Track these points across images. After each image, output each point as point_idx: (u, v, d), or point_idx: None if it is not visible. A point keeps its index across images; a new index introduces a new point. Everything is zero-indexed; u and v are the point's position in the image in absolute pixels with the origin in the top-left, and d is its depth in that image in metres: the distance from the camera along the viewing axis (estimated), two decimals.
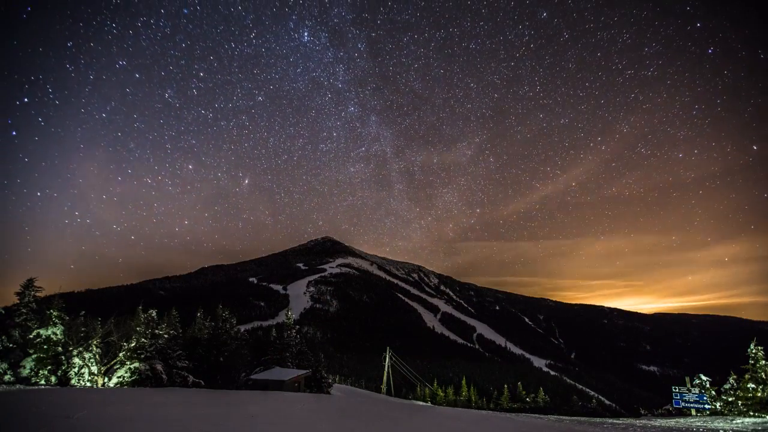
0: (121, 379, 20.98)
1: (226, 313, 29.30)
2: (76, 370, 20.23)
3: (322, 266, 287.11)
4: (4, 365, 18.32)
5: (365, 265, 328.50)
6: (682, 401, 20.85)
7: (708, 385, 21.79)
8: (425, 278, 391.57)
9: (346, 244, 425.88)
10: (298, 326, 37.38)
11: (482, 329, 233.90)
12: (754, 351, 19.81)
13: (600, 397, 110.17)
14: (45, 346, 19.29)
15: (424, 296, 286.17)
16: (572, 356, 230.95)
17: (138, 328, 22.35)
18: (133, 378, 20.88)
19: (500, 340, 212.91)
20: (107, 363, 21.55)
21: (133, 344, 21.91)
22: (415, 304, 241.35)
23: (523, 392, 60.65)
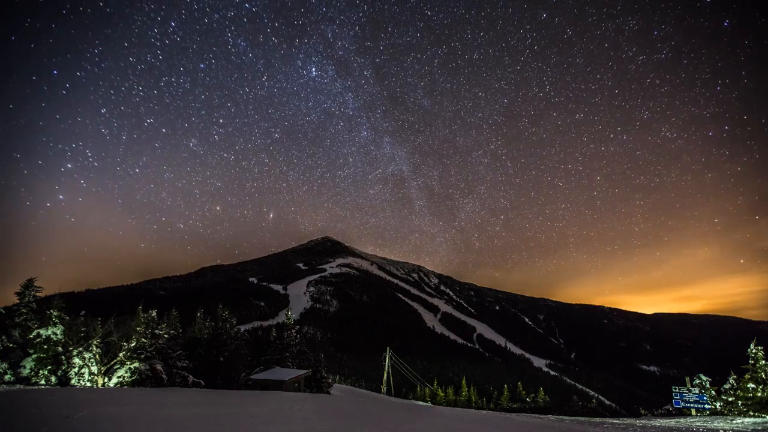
0: (121, 379, 20.98)
1: (226, 313, 29.31)
2: (76, 370, 20.22)
3: (322, 266, 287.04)
4: (4, 365, 18.31)
5: (365, 265, 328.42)
6: (682, 401, 20.83)
7: (708, 385, 21.77)
8: (425, 278, 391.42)
9: (346, 244, 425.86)
10: (298, 326, 37.39)
11: (482, 329, 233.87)
12: (754, 351, 19.78)
13: (600, 397, 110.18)
14: (45, 346, 19.28)
15: (424, 296, 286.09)
16: (572, 356, 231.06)
17: (138, 328, 22.35)
18: (133, 378, 20.88)
19: (500, 340, 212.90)
20: (107, 363, 21.54)
21: (133, 344, 21.91)
22: (415, 304, 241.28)
23: (523, 392, 60.58)
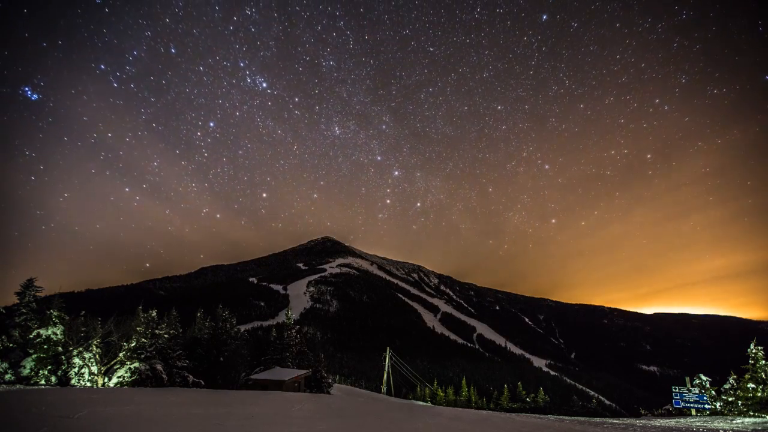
0: (121, 379, 20.98)
1: (226, 313, 29.30)
2: (76, 370, 20.22)
3: (322, 266, 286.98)
4: (5, 365, 18.31)
5: (365, 265, 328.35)
6: (682, 401, 20.83)
7: (708, 385, 21.77)
8: (425, 278, 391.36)
9: (346, 244, 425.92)
10: (298, 326, 37.37)
11: (482, 329, 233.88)
12: (754, 351, 19.79)
13: (600, 397, 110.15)
14: (45, 346, 19.28)
15: (424, 296, 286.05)
16: (572, 356, 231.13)
17: (138, 328, 22.34)
18: (133, 378, 20.87)
19: (500, 340, 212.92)
20: (107, 363, 21.54)
21: (133, 344, 21.91)
22: (415, 304, 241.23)
23: (523, 392, 60.62)
